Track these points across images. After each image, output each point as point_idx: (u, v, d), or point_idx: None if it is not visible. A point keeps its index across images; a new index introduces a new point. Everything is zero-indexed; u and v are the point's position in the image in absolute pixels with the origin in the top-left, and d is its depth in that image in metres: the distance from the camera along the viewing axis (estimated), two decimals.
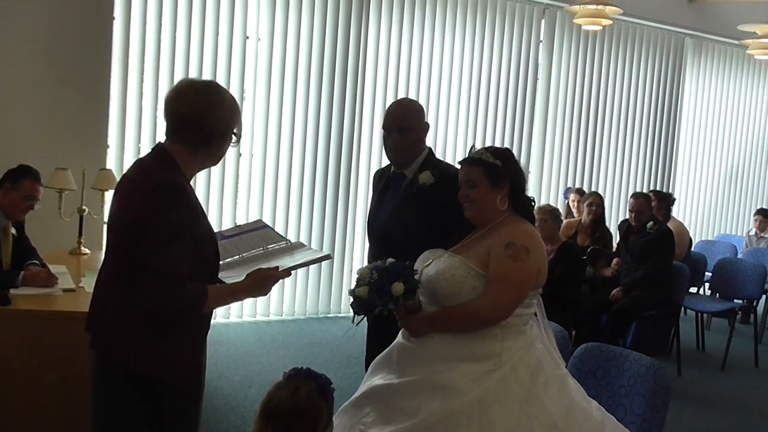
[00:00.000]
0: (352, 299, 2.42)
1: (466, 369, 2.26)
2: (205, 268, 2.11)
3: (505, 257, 2.28)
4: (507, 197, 2.42)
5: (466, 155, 2.50)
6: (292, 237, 6.26)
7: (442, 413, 2.18)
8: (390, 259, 2.37)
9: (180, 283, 1.97)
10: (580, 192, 6.86)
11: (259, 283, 2.16)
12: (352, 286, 2.42)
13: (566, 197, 7.22)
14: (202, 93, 2.14)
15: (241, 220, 6.10)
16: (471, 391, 2.20)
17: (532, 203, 2.50)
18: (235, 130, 2.18)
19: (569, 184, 7.84)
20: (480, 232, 2.46)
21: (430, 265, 2.41)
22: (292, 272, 2.34)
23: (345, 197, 6.69)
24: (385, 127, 3.05)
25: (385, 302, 2.33)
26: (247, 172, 6.34)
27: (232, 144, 2.19)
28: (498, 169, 2.41)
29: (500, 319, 2.29)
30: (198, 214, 2.09)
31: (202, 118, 2.10)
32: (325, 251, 5.68)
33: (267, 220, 6.09)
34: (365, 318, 2.64)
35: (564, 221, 6.09)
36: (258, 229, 2.55)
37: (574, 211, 6.64)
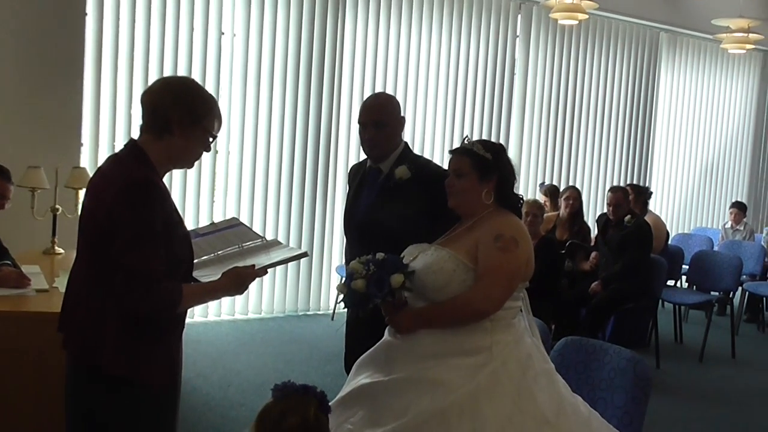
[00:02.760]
0: (342, 294, 2.39)
1: (456, 363, 2.24)
2: (180, 267, 2.08)
3: (495, 249, 2.28)
4: (493, 192, 2.42)
5: (460, 144, 2.49)
6: (270, 234, 6.23)
7: (433, 410, 2.17)
8: (380, 254, 2.35)
9: (154, 281, 1.94)
10: (550, 191, 6.88)
11: (236, 282, 2.14)
12: (342, 281, 2.39)
13: (541, 188, 7.27)
14: (169, 83, 2.14)
15: (218, 219, 6.04)
16: (461, 387, 2.19)
17: (521, 201, 2.50)
18: (209, 127, 2.14)
19: (546, 179, 7.87)
20: (464, 225, 2.45)
21: (417, 259, 2.40)
22: (269, 270, 2.31)
23: (323, 194, 6.66)
24: (361, 121, 3.03)
25: (384, 294, 2.31)
26: (223, 170, 6.29)
27: (208, 144, 2.15)
28: (487, 162, 2.40)
29: (491, 312, 2.28)
30: (171, 211, 2.05)
31: (162, 103, 2.07)
32: (303, 248, 5.69)
33: (244, 218, 6.07)
34: (350, 313, 2.62)
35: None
36: (233, 227, 2.52)
37: (546, 207, 6.67)
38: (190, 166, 2.24)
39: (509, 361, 2.26)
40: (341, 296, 2.42)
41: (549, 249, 5.34)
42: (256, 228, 6.01)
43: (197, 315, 6.12)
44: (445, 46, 7.20)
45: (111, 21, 5.63)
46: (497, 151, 2.45)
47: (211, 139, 2.15)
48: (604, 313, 5.58)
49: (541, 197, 6.84)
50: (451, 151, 2.50)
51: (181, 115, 2.07)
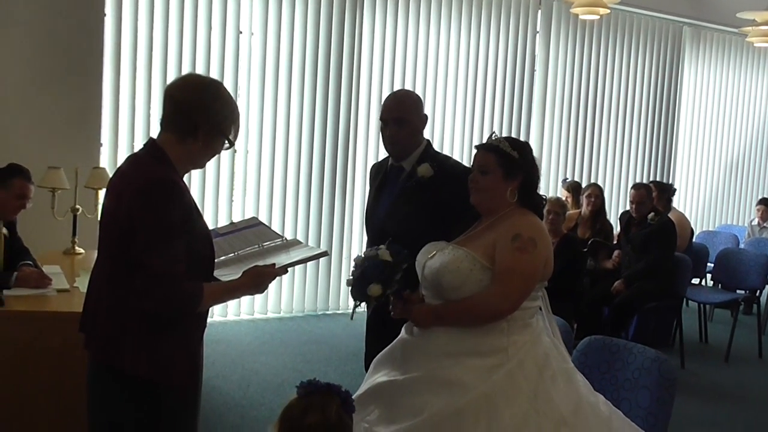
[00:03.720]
0: (350, 288, 2.42)
1: (472, 364, 2.24)
2: (200, 266, 2.10)
3: (512, 249, 2.27)
4: (517, 191, 2.40)
5: (486, 141, 2.49)
6: (289, 234, 6.25)
7: (449, 410, 2.16)
8: (381, 249, 2.37)
9: (175, 280, 1.95)
10: (573, 187, 6.84)
11: (256, 281, 2.15)
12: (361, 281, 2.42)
13: (564, 184, 7.23)
14: (201, 85, 2.14)
15: (237, 218, 6.07)
16: (477, 387, 2.19)
17: (544, 202, 2.49)
18: (230, 135, 2.16)
19: (567, 175, 7.83)
20: (484, 223, 2.44)
21: (434, 257, 2.39)
22: (289, 269, 2.33)
23: (342, 192, 6.67)
24: (382, 118, 3.03)
25: (362, 300, 2.36)
26: (242, 169, 6.32)
27: (224, 148, 2.17)
28: (514, 160, 2.39)
29: (508, 313, 2.27)
30: (191, 210, 2.07)
31: (192, 106, 2.08)
32: (323, 248, 5.69)
33: (263, 218, 6.09)
34: (367, 310, 2.63)
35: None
36: (253, 226, 2.54)
37: (567, 204, 6.63)
38: (201, 167, 2.27)
39: (526, 362, 2.25)
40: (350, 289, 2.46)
41: (571, 247, 5.31)
42: (275, 227, 6.01)
43: (216, 315, 6.15)
44: (464, 43, 7.18)
45: (129, 21, 5.68)
46: (524, 149, 2.44)
47: (227, 145, 2.17)
48: (627, 313, 5.54)
49: (563, 193, 6.81)
50: (477, 147, 2.50)
51: (209, 126, 2.09)
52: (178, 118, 2.09)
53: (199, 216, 2.14)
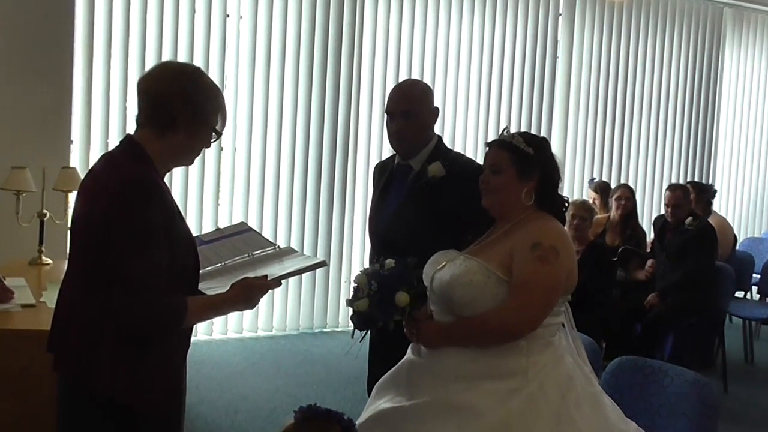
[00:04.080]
0: (351, 311, 2.41)
1: (487, 388, 2.23)
2: (184, 278, 2.10)
3: (531, 260, 2.27)
4: (534, 192, 2.41)
5: (498, 137, 2.49)
6: (281, 241, 6.23)
7: None
8: (388, 260, 2.36)
9: (155, 294, 1.95)
10: (601, 188, 6.83)
11: (246, 294, 2.15)
12: (350, 296, 2.41)
13: (590, 184, 7.22)
14: (178, 72, 2.16)
15: (223, 224, 6.07)
16: (493, 414, 2.18)
17: (566, 204, 2.49)
18: (216, 125, 2.16)
19: (594, 175, 7.83)
20: (499, 230, 2.44)
21: (444, 268, 2.39)
22: (283, 282, 2.34)
23: (341, 195, 6.67)
24: (388, 111, 3.04)
25: (389, 315, 2.32)
26: (229, 168, 6.33)
27: (212, 140, 2.19)
28: (529, 157, 2.40)
29: (527, 331, 2.27)
30: (174, 214, 2.07)
31: (167, 96, 2.10)
32: (320, 257, 5.68)
33: (253, 223, 6.08)
34: (368, 332, 2.64)
35: None
36: (241, 232, 2.55)
37: (595, 207, 6.62)
38: (190, 163, 2.28)
39: (547, 384, 2.25)
40: (350, 313, 2.45)
41: (598, 256, 5.30)
42: (266, 234, 6.02)
43: (200, 333, 6.15)
44: (478, 27, 7.18)
45: (103, 4, 5.68)
46: (540, 145, 2.45)
47: (215, 136, 2.17)
48: (663, 330, 5.52)
49: (590, 195, 6.80)
50: (488, 144, 2.50)
51: (189, 115, 2.10)
52: (154, 112, 2.10)
53: (182, 221, 2.15)
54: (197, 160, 2.41)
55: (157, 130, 2.10)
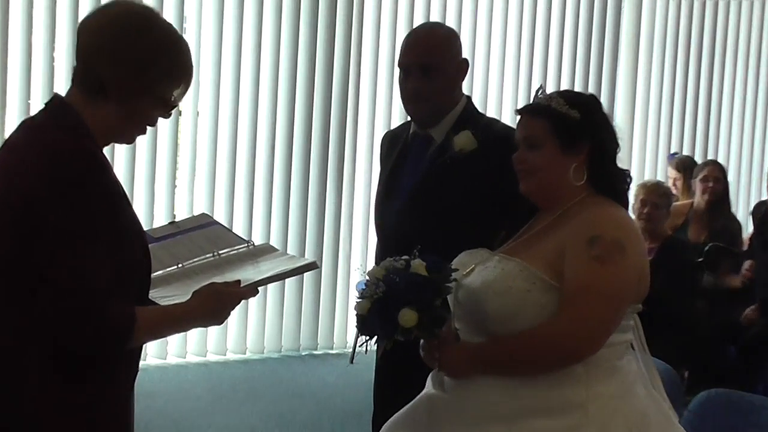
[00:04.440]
0: (361, 316, 2.41)
1: (535, 428, 2.23)
2: (131, 281, 2.10)
3: (588, 259, 2.25)
4: (585, 168, 2.40)
5: (532, 100, 2.49)
6: (258, 237, 6.25)
7: None
8: (417, 261, 2.33)
9: (93, 302, 1.95)
10: (685, 165, 6.81)
11: (213, 305, 2.14)
12: (361, 291, 2.39)
13: (671, 158, 7.22)
14: (111, 19, 2.12)
15: (182, 213, 6.10)
16: None
17: (628, 180, 2.48)
18: (166, 94, 2.15)
19: (674, 149, 7.82)
20: (543, 221, 2.44)
21: (472, 273, 2.39)
22: (260, 289, 2.34)
23: (337, 175, 6.68)
24: (402, 64, 3.03)
25: (387, 332, 2.32)
26: (189, 139, 6.34)
27: (162, 114, 2.18)
28: (575, 124, 2.37)
29: (587, 353, 2.26)
30: (119, 198, 2.07)
31: (94, 53, 2.09)
32: (308, 257, 5.67)
33: (221, 213, 6.14)
34: (377, 350, 2.64)
35: None
36: (203, 226, 2.56)
37: (675, 191, 6.61)
38: (129, 142, 2.27)
39: (613, 424, 2.25)
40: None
41: (677, 256, 5.30)
42: (239, 228, 6.03)
43: (151, 355, 6.16)
44: None
45: None
46: (587, 105, 2.45)
47: (167, 109, 2.18)
48: (765, 353, 5.52)
49: (670, 174, 6.78)
50: (520, 111, 2.51)
51: (121, 80, 2.09)
52: (82, 71, 2.11)
53: (129, 206, 2.14)
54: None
55: (86, 94, 2.10)
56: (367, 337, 2.40)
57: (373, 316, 2.31)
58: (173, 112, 2.26)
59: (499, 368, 2.32)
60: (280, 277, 2.39)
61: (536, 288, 2.28)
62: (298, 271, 2.45)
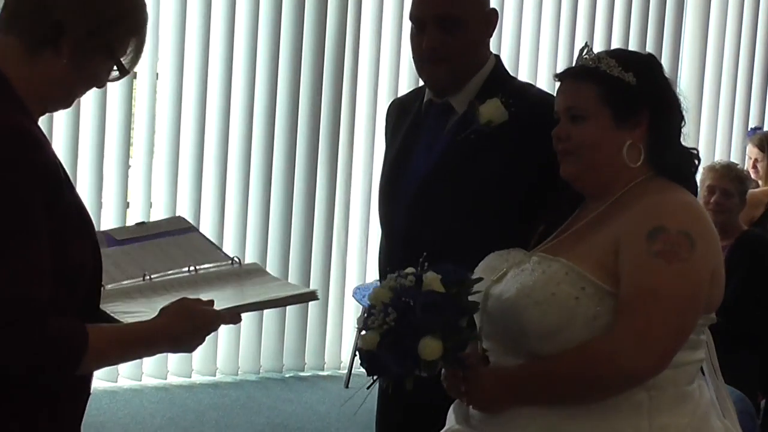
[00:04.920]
0: (365, 352, 2.38)
1: None
2: (76, 289, 2.10)
3: (650, 255, 2.24)
4: (644, 145, 2.40)
5: (576, 61, 2.50)
6: (231, 234, 6.29)
7: None
8: (430, 274, 2.31)
9: (35, 315, 1.95)
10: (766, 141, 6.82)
11: (184, 326, 2.12)
12: (364, 317, 2.38)
13: (751, 133, 7.19)
14: None
15: (136, 202, 6.11)
16: None
17: (696, 161, 2.48)
18: (121, 53, 2.15)
19: (754, 123, 7.82)
20: (592, 211, 2.44)
21: (505, 279, 2.40)
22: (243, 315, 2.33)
23: (329, 159, 6.72)
24: (414, 17, 3.01)
25: (406, 368, 2.29)
26: (146, 109, 6.35)
27: (110, 77, 2.19)
28: (630, 90, 2.38)
29: (650, 372, 2.25)
30: (61, 183, 2.06)
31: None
32: (296, 271, 5.65)
33: (185, 206, 6.12)
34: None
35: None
36: (177, 232, 2.58)
37: (754, 175, 6.61)
38: (68, 106, 2.27)
39: None
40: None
41: (756, 256, 5.28)
42: (207, 226, 6.05)
43: (98, 377, 6.10)
44: None
45: None
46: (646, 67, 2.46)
47: (116, 71, 2.18)
48: None
49: (750, 152, 6.78)
50: (560, 75, 2.53)
51: (85, 27, 2.09)
52: (31, 12, 2.09)
53: (73, 194, 2.14)
54: (96, 94, 2.41)
55: (29, 44, 2.09)
56: (375, 378, 2.37)
57: (386, 351, 2.27)
58: (129, 76, 2.27)
59: (540, 397, 2.32)
60: (269, 304, 2.42)
61: (586, 294, 2.28)
62: (293, 301, 2.46)
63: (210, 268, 2.45)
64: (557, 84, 2.51)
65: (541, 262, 2.36)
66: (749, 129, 7.38)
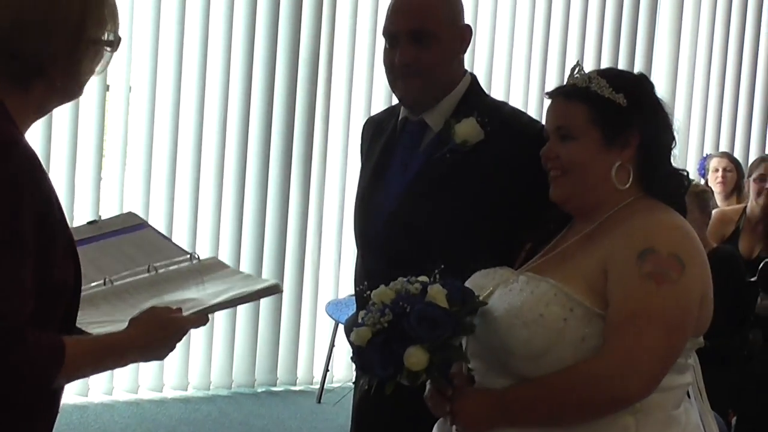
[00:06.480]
0: (356, 349, 2.38)
1: None
2: (56, 306, 2.08)
3: (640, 277, 2.24)
4: (633, 166, 2.40)
5: (567, 80, 2.49)
6: (204, 247, 6.24)
7: None
8: (436, 286, 2.30)
9: (15, 329, 1.93)
10: (728, 158, 6.84)
11: (156, 335, 2.13)
12: (361, 316, 2.36)
13: (702, 171, 7.26)
14: None
15: (109, 210, 6.05)
16: None
17: (686, 181, 2.49)
18: (105, 34, 2.14)
19: (708, 149, 7.89)
20: (581, 230, 2.43)
21: (492, 297, 2.38)
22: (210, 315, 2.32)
23: (303, 173, 6.70)
24: (388, 32, 3.00)
25: (387, 372, 2.28)
26: (121, 118, 6.32)
27: (102, 55, 2.17)
28: (619, 111, 2.38)
29: (638, 394, 2.24)
30: (50, 198, 2.05)
31: (18, 27, 2.05)
32: (267, 275, 5.64)
33: (158, 217, 6.07)
34: (355, 386, 2.62)
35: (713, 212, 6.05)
36: (130, 229, 2.57)
37: (718, 194, 6.64)
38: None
39: None
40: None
41: (725, 274, 5.27)
42: (180, 237, 6.01)
43: (71, 391, 6.12)
44: None
45: None
46: (636, 88, 2.45)
47: (108, 50, 2.16)
48: None
49: (719, 164, 6.80)
50: (550, 94, 2.51)
51: (60, 48, 2.07)
52: (5, 61, 2.07)
53: (60, 212, 2.11)
54: (69, 106, 2.40)
55: (16, 81, 2.08)
56: (366, 377, 2.36)
57: (373, 350, 2.26)
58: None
59: (526, 418, 2.31)
60: (234, 302, 2.37)
61: (574, 316, 2.27)
62: (257, 296, 2.44)
63: (169, 266, 2.42)
64: (547, 102, 2.51)
65: (529, 282, 2.35)
66: (702, 157, 7.46)
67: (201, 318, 2.23)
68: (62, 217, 2.13)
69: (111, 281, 2.36)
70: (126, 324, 2.14)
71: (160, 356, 2.19)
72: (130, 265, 2.41)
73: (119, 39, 2.18)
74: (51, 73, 2.08)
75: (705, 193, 5.54)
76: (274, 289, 2.46)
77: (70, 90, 2.17)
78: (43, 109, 2.16)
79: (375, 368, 2.28)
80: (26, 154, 2.04)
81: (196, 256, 2.48)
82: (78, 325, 2.17)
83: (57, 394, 2.16)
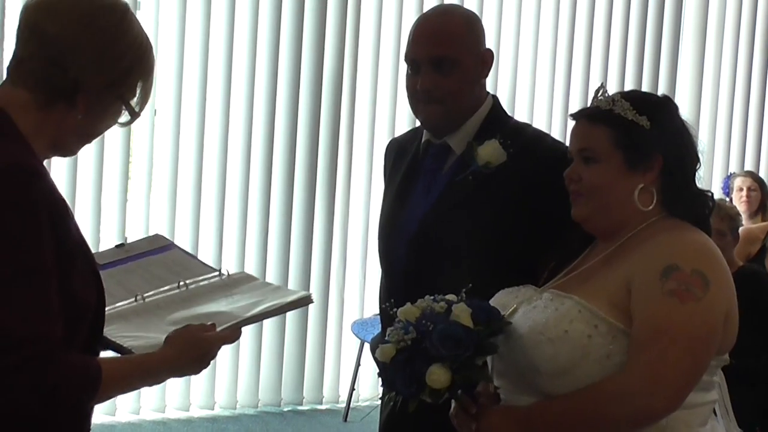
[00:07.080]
0: (382, 364, 2.39)
1: None
2: (80, 327, 2.09)
3: (663, 294, 2.24)
4: (657, 189, 2.40)
5: (591, 102, 2.49)
6: (230, 266, 6.21)
7: None
8: (461, 305, 2.31)
9: (49, 352, 1.94)
10: (752, 177, 6.82)
11: (193, 354, 2.14)
12: (387, 332, 2.36)
13: (726, 190, 7.23)
14: (85, 8, 2.11)
15: (135, 233, 6.09)
16: None
17: (711, 202, 2.48)
18: (132, 99, 2.16)
19: (732, 168, 7.86)
20: (605, 249, 2.43)
21: (516, 315, 2.38)
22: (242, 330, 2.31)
23: (327, 193, 6.70)
24: (410, 58, 3.00)
25: (410, 390, 2.29)
26: (145, 142, 6.35)
27: (120, 121, 2.19)
28: (643, 134, 2.38)
29: (663, 411, 2.24)
30: (68, 224, 2.05)
31: (76, 47, 2.07)
32: (298, 289, 5.62)
33: (184, 237, 6.07)
34: (382, 406, 2.61)
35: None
36: (158, 250, 2.57)
37: (743, 213, 6.61)
38: (72, 154, 2.29)
39: None
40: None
41: (753, 293, 5.25)
42: (206, 256, 5.98)
43: (98, 411, 6.12)
44: None
45: None
46: (660, 110, 2.45)
47: (126, 116, 2.18)
48: None
49: (743, 183, 6.78)
50: (575, 115, 2.51)
51: (102, 82, 2.08)
52: (45, 68, 2.08)
53: (78, 231, 2.12)
54: None
55: (43, 97, 2.09)
56: (392, 393, 2.37)
57: (396, 368, 2.28)
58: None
59: None
60: (267, 314, 2.37)
61: (598, 332, 2.27)
62: (289, 307, 2.44)
63: (200, 281, 2.43)
64: (571, 123, 2.50)
65: (554, 299, 2.34)
66: (726, 176, 7.43)
67: (233, 333, 2.23)
68: (81, 238, 2.13)
69: (143, 298, 2.36)
70: (158, 338, 2.15)
71: (194, 373, 2.20)
72: (160, 285, 2.41)
73: (137, 115, 2.19)
74: (78, 102, 2.10)
75: (739, 216, 5.54)
76: (306, 300, 2.46)
77: (85, 130, 2.17)
78: (59, 140, 2.16)
79: (398, 386, 2.29)
80: (39, 175, 2.05)
81: (225, 272, 2.47)
82: (111, 338, 2.18)
83: (89, 414, 2.15)
